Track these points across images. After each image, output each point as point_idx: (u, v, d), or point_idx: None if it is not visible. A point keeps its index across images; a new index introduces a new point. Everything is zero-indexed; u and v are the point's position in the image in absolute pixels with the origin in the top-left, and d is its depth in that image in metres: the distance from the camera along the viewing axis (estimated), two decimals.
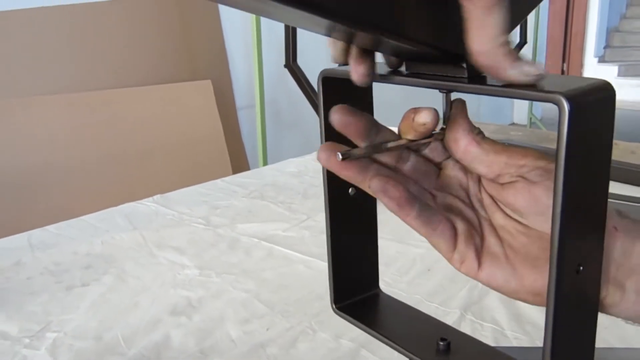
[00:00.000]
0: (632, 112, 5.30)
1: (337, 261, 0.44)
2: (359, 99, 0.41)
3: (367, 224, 0.45)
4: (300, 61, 2.63)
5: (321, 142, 0.42)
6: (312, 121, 2.89)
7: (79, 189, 2.17)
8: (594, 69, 6.06)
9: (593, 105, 0.28)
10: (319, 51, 3.02)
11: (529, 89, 0.29)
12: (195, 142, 2.46)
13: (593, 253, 0.31)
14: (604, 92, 0.29)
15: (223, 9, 2.64)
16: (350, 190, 0.43)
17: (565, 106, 0.27)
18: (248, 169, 2.74)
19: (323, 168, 0.41)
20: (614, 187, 1.22)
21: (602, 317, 0.34)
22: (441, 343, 0.39)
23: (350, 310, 0.44)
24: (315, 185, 1.34)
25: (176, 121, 2.44)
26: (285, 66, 2.64)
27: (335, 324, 0.76)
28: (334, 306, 0.44)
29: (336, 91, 0.41)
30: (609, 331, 0.71)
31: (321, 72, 0.40)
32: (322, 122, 0.41)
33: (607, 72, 5.91)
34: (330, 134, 0.41)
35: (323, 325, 0.76)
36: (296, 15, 0.27)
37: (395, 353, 0.39)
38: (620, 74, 5.85)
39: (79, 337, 0.74)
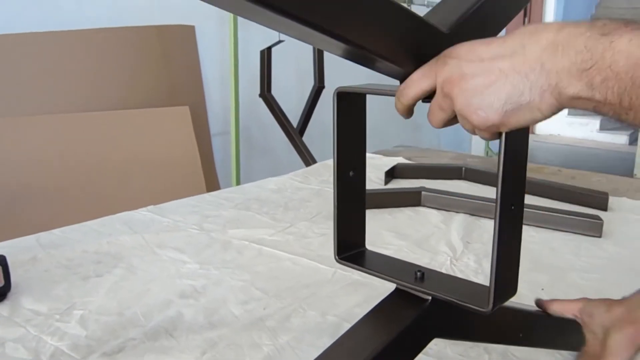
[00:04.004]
0: (579, 148, 5.66)
1: (340, 224, 0.59)
2: (359, 109, 0.58)
3: (359, 198, 0.61)
4: (272, 92, 2.80)
5: (333, 148, 0.58)
6: (282, 148, 3.04)
7: (58, 208, 2.25)
8: None
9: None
10: (291, 83, 3.20)
11: None
12: (173, 164, 2.58)
13: (518, 197, 0.51)
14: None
15: (200, 40, 2.79)
16: (350, 172, 0.58)
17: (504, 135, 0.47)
18: None
19: (333, 152, 0.57)
20: (557, 204, 1.41)
21: None
22: (418, 273, 0.55)
23: (348, 259, 0.59)
24: (294, 199, 1.48)
25: (155, 144, 2.56)
26: (260, 96, 2.81)
27: (322, 304, 0.90)
28: (336, 257, 0.60)
29: (345, 104, 0.57)
30: None
31: (336, 89, 0.57)
32: (336, 129, 0.58)
33: None
34: (342, 140, 0.57)
35: (311, 305, 0.90)
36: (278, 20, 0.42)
37: None
38: (570, 112, 6.22)
39: (102, 313, 0.86)
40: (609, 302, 0.63)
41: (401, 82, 0.51)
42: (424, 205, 1.41)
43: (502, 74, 0.43)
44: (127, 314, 0.86)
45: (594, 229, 1.21)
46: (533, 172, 1.75)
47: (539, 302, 0.69)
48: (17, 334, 0.80)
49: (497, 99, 0.43)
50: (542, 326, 0.69)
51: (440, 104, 0.48)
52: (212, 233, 1.22)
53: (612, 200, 1.43)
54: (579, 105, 0.42)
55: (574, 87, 0.40)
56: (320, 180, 1.66)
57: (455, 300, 0.53)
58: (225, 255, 1.11)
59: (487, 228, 1.27)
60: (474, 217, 1.33)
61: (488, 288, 0.51)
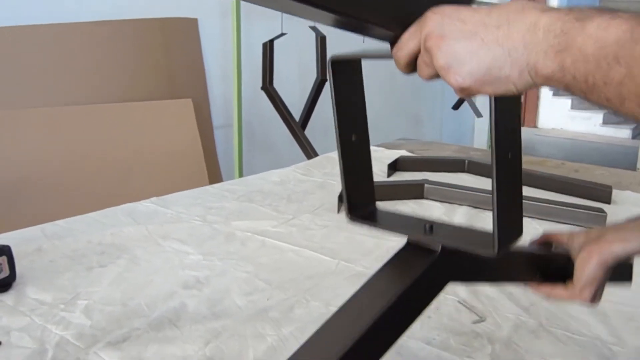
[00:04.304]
0: (581, 142, 5.65)
1: (348, 185, 0.60)
2: (355, 75, 0.60)
3: (365, 159, 0.62)
4: (275, 85, 2.80)
5: (333, 114, 0.59)
6: (284, 141, 3.04)
7: (61, 200, 2.26)
8: (549, 102, 6.41)
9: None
10: (293, 76, 3.20)
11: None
12: (175, 157, 2.58)
13: (514, 146, 0.52)
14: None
15: (203, 32, 2.79)
16: (352, 137, 0.59)
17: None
18: None
19: (334, 118, 0.59)
20: (560, 197, 1.41)
21: None
22: (427, 225, 0.56)
23: (359, 217, 0.60)
24: (297, 191, 1.49)
25: (157, 137, 2.56)
26: (262, 88, 2.80)
27: (325, 295, 0.91)
28: (349, 216, 0.61)
29: (340, 72, 0.58)
30: None
31: (330, 57, 0.58)
32: (334, 96, 0.58)
33: (561, 105, 6.26)
34: (341, 107, 0.58)
35: (315, 296, 0.90)
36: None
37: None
38: (573, 107, 6.20)
39: (107, 303, 0.87)
40: (589, 228, 0.69)
41: (392, 45, 0.52)
42: (426, 198, 1.41)
43: (484, 44, 0.45)
44: (131, 305, 0.87)
45: (598, 221, 1.21)
46: (536, 165, 1.75)
47: (533, 241, 0.73)
48: (22, 323, 0.81)
49: (477, 68, 0.45)
50: (557, 266, 0.69)
51: (424, 59, 0.49)
52: (215, 225, 1.22)
53: (615, 193, 1.42)
54: (552, 84, 0.45)
55: (548, 68, 0.43)
56: (323, 173, 1.66)
57: (463, 248, 0.55)
58: (229, 246, 1.11)
59: (490, 220, 1.27)
60: (477, 209, 1.33)
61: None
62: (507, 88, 0.46)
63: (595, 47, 0.40)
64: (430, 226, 0.58)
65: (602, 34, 0.40)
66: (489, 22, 0.45)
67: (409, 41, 0.50)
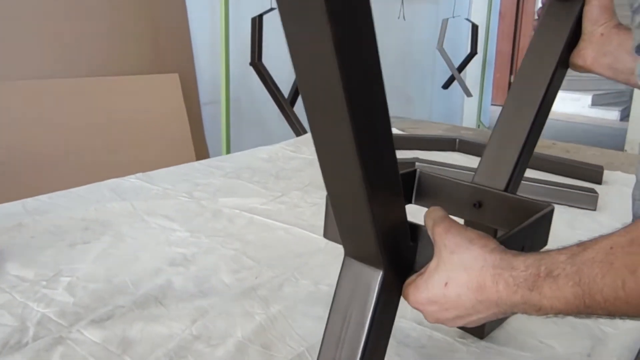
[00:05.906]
0: (570, 123, 5.65)
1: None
2: None
3: None
4: (263, 60, 2.75)
5: None
6: (272, 119, 3.00)
7: (44, 175, 2.21)
8: None
9: None
10: (283, 51, 3.15)
11: None
12: (161, 132, 2.54)
13: None
14: None
15: (190, 5, 2.73)
16: None
17: None
18: None
19: None
20: (551, 177, 1.40)
21: None
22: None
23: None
24: (286, 169, 1.46)
25: (143, 112, 2.52)
26: (251, 64, 2.76)
27: (314, 274, 0.89)
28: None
29: None
30: None
31: None
32: None
33: None
34: None
35: (304, 275, 0.88)
36: None
37: None
38: (562, 87, 6.18)
39: (90, 280, 0.84)
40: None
41: None
42: None
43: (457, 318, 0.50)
44: (116, 282, 0.84)
45: (589, 202, 1.20)
46: None
47: None
48: (2, 300, 0.78)
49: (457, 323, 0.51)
50: None
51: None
52: (203, 201, 1.20)
53: (606, 173, 1.42)
54: None
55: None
56: (312, 150, 1.62)
57: None
58: (216, 223, 1.09)
59: None
60: None
61: None
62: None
63: (562, 306, 0.42)
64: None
65: (559, 294, 0.42)
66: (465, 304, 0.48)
67: None
